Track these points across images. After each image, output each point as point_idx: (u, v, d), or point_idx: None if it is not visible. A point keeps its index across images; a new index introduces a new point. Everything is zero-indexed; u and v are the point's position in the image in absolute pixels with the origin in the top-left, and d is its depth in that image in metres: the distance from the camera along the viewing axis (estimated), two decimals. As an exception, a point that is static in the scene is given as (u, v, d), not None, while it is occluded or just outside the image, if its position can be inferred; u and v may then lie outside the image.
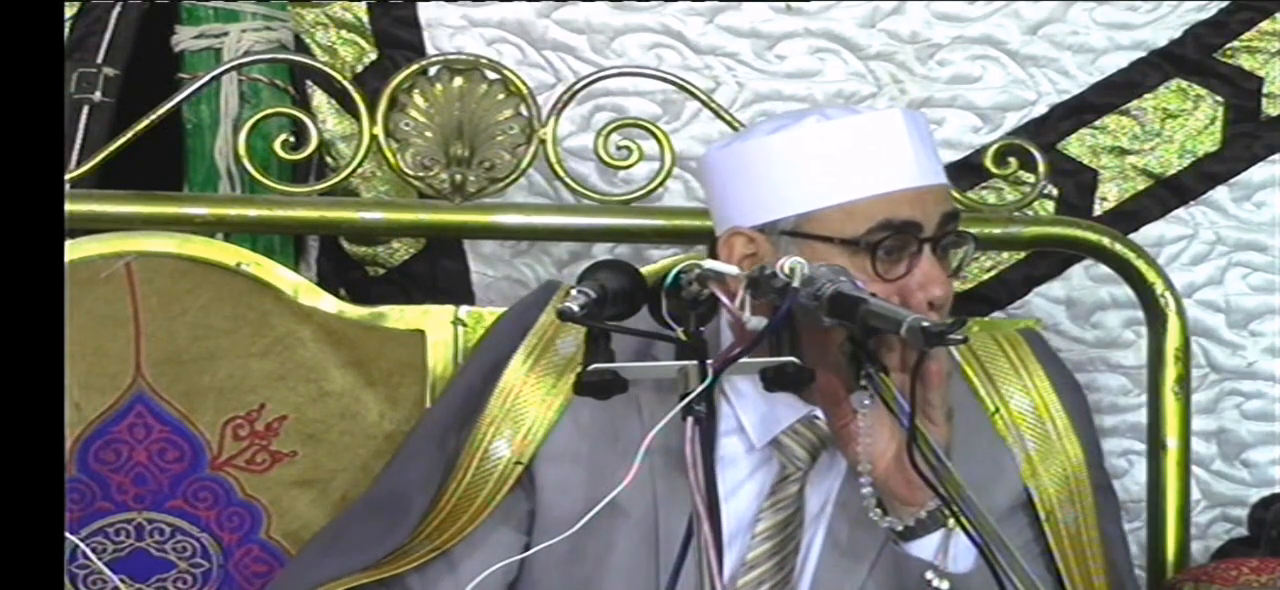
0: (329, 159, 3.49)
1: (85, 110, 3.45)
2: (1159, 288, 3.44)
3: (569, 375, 2.89)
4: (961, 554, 2.69)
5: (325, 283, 3.43)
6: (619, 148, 3.37)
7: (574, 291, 2.57)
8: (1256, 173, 3.61)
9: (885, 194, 2.76)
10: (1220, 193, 3.61)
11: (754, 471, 2.86)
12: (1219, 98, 3.60)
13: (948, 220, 2.80)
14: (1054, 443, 3.01)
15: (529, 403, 2.92)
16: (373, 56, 3.53)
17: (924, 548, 2.71)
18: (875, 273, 2.74)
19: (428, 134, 3.38)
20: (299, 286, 3.31)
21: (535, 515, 2.90)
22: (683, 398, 2.46)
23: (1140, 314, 3.48)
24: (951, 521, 2.62)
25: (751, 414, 2.84)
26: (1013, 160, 3.47)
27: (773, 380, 2.54)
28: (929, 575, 2.70)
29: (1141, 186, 3.61)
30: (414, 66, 3.39)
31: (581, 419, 2.88)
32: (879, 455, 2.68)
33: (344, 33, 3.52)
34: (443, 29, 3.53)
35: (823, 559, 2.85)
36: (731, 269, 2.58)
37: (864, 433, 2.66)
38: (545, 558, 2.75)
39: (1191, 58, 3.60)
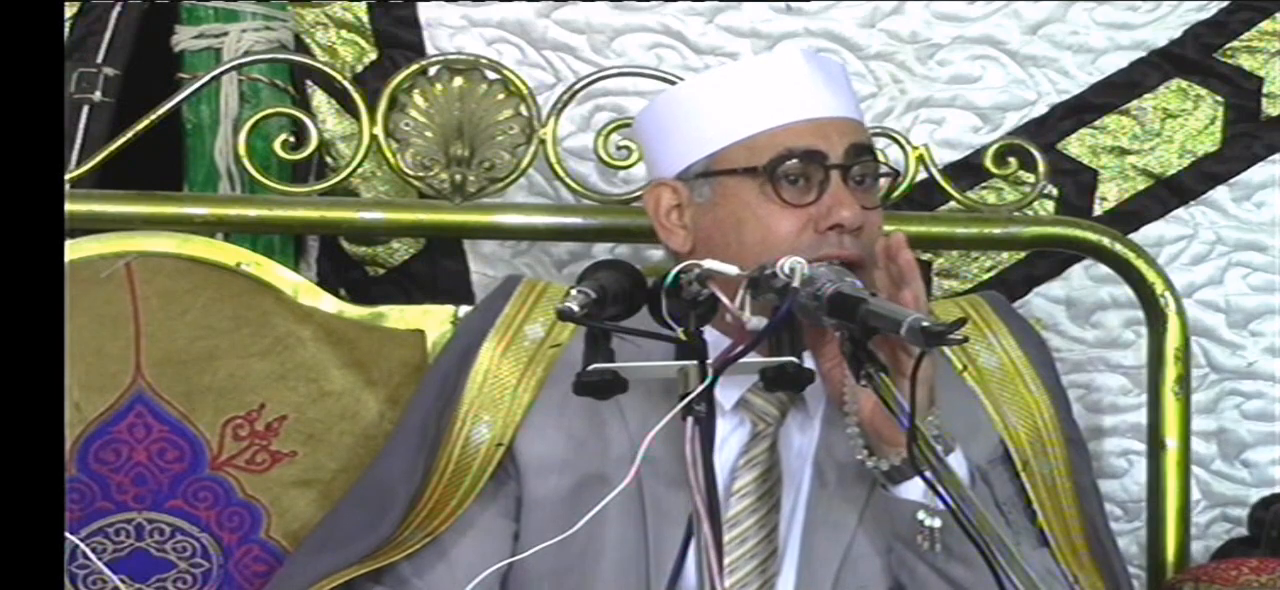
0: (329, 159, 3.49)
1: (85, 110, 3.45)
2: (1159, 288, 3.44)
3: (539, 357, 2.97)
4: None
5: (325, 283, 3.43)
6: (619, 148, 3.38)
7: (574, 291, 2.57)
8: (1256, 173, 3.61)
9: (785, 125, 2.85)
10: (1220, 193, 3.61)
11: (728, 436, 2.87)
12: (1219, 98, 3.60)
13: (857, 151, 2.87)
14: (1023, 396, 3.04)
15: (504, 386, 2.97)
16: (373, 56, 3.53)
17: (913, 488, 2.73)
18: (782, 200, 2.82)
19: (428, 134, 3.38)
20: (299, 286, 3.31)
21: (521, 500, 2.92)
22: (683, 398, 2.46)
23: (1140, 314, 3.48)
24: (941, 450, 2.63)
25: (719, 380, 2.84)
26: (1013, 160, 3.47)
27: (773, 380, 2.54)
28: (920, 515, 2.72)
29: (1141, 186, 3.61)
30: (414, 66, 3.39)
31: (556, 397, 2.90)
32: (865, 398, 2.69)
33: (344, 33, 3.52)
34: (443, 29, 3.53)
35: (811, 513, 2.86)
36: (730, 269, 2.59)
37: (848, 377, 2.67)
38: (536, 539, 2.76)
39: (1191, 58, 3.60)
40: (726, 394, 2.86)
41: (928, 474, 2.50)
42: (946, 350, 3.01)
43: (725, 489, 2.84)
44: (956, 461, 2.72)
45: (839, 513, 2.86)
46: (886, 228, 2.94)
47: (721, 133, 2.87)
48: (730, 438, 2.88)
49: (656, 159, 2.96)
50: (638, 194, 3.38)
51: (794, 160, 2.83)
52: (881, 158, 2.95)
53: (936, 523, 2.71)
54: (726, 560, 2.78)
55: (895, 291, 2.71)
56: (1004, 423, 3.00)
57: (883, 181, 2.93)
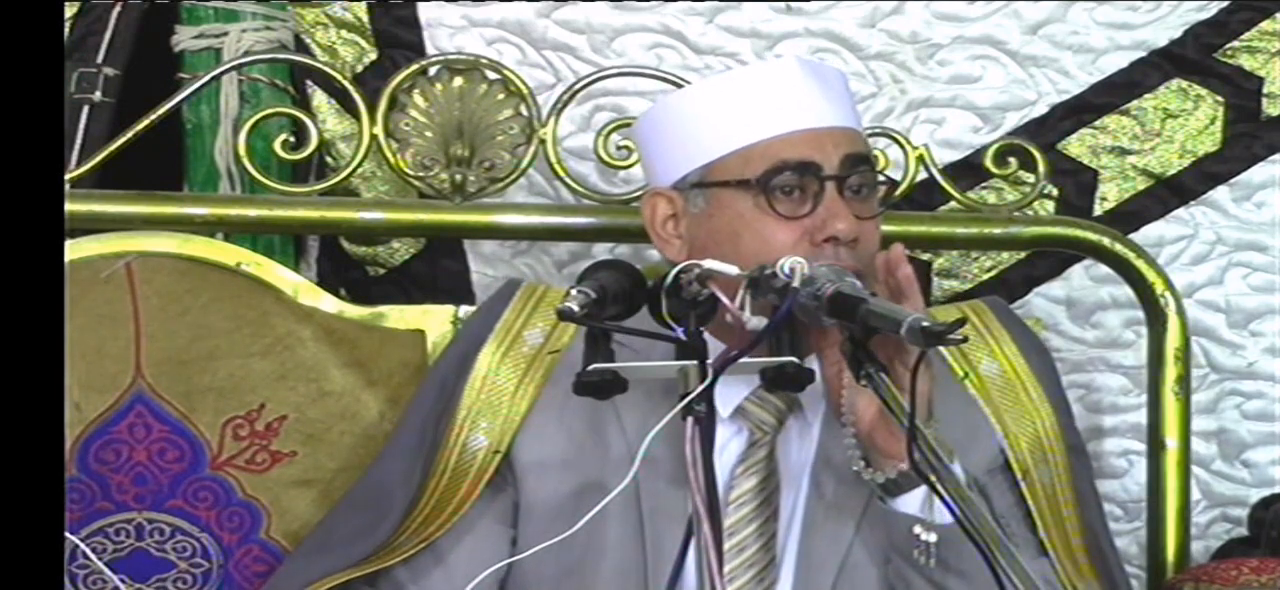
0: (329, 159, 3.49)
1: (85, 110, 3.45)
2: (1159, 288, 3.44)
3: (538, 363, 2.96)
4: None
5: (325, 283, 3.43)
6: (619, 148, 3.38)
7: (574, 291, 2.57)
8: (1256, 173, 3.61)
9: (780, 136, 2.82)
10: (1220, 193, 3.61)
11: (726, 443, 2.86)
12: (1219, 98, 3.60)
13: (853, 162, 2.84)
14: (1024, 404, 3.03)
15: (503, 393, 2.96)
16: (373, 56, 3.53)
17: (909, 502, 2.72)
18: (776, 212, 2.79)
19: (428, 134, 3.38)
20: (299, 286, 3.31)
21: (519, 505, 2.92)
22: (683, 398, 2.46)
23: (1140, 314, 3.49)
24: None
25: (717, 385, 2.84)
26: (1013, 160, 3.47)
27: (773, 380, 2.54)
28: (917, 529, 2.70)
29: (1141, 186, 3.61)
30: (414, 66, 3.39)
31: (557, 399, 2.90)
32: (863, 408, 2.68)
33: (344, 33, 3.52)
34: (443, 29, 3.53)
35: (807, 521, 2.85)
36: (730, 269, 2.59)
37: (847, 386, 2.67)
38: (535, 543, 2.75)
39: (1191, 58, 3.60)
40: (723, 401, 2.84)
41: (931, 479, 2.49)
42: (947, 357, 3.02)
43: (723, 497, 2.81)
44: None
45: (836, 522, 2.85)
46: (887, 229, 2.93)
47: (716, 142, 2.84)
48: (728, 445, 2.86)
49: (653, 167, 2.94)
50: (638, 194, 3.38)
51: (788, 172, 2.80)
52: (882, 158, 2.94)
53: (932, 537, 2.69)
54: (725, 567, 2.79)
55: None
56: (1003, 430, 2.99)
57: (880, 189, 2.91)
